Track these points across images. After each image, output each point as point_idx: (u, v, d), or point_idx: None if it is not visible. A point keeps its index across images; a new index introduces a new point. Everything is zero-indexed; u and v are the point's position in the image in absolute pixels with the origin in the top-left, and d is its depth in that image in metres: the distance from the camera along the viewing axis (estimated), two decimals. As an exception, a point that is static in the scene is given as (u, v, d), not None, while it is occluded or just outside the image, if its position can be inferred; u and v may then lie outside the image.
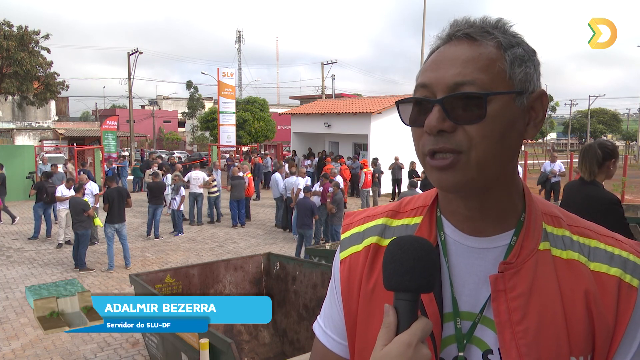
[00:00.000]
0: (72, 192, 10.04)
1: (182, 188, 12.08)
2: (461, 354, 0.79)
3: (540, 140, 55.91)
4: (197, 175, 12.93)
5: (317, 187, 11.11)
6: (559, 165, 13.95)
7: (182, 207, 12.08)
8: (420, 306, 0.78)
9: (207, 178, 13.17)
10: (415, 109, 0.78)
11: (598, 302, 0.76)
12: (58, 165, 11.01)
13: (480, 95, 0.72)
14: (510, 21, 0.79)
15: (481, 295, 0.79)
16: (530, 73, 0.77)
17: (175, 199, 12.01)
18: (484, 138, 0.73)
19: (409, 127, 0.81)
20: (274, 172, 15.42)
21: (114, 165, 18.28)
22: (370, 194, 15.50)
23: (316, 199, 10.68)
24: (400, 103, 0.80)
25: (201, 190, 12.97)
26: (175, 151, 38.18)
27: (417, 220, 0.88)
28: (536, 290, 0.76)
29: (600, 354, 0.76)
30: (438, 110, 0.73)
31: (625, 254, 0.79)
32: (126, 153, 31.49)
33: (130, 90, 28.33)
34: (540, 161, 34.44)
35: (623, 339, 0.76)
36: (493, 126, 0.73)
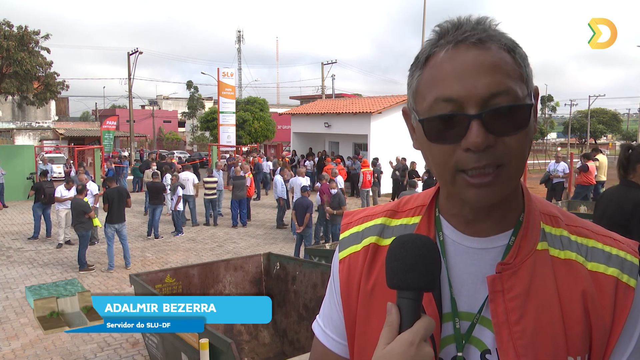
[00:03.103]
0: (71, 193, 10.05)
1: (179, 188, 12.08)
2: (460, 354, 0.79)
3: (540, 141, 55.87)
4: (187, 177, 12.86)
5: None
6: (563, 166, 13.91)
7: (180, 207, 12.07)
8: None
9: (196, 181, 13.15)
10: (440, 125, 0.72)
11: (595, 302, 0.76)
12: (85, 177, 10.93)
13: (526, 107, 0.71)
14: (495, 19, 0.76)
15: (479, 295, 0.79)
16: (532, 71, 0.76)
17: (172, 199, 12.04)
18: (523, 146, 0.72)
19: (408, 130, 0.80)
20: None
21: (113, 166, 18.28)
22: (370, 194, 15.49)
23: (317, 198, 10.68)
24: (426, 118, 0.73)
25: (192, 192, 12.84)
26: (175, 151, 38.17)
27: (416, 220, 0.88)
28: (534, 291, 0.76)
29: (597, 353, 0.76)
30: (480, 126, 0.69)
31: (623, 254, 0.79)
32: (126, 153, 31.50)
33: (130, 90, 28.33)
34: (539, 161, 34.51)
35: (619, 339, 0.76)
36: (528, 134, 0.73)
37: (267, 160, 21.31)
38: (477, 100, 0.69)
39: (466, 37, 0.72)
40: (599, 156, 13.09)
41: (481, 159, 0.70)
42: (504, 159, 0.71)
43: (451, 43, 0.73)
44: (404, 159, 16.37)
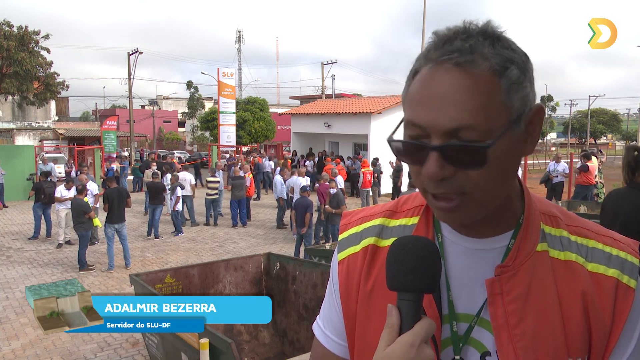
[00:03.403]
0: (71, 193, 10.05)
1: (178, 188, 12.08)
2: (457, 357, 0.79)
3: (540, 141, 55.84)
4: (184, 177, 12.87)
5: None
6: (563, 166, 13.92)
7: (178, 208, 12.06)
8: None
9: (193, 181, 13.17)
10: (404, 148, 0.74)
11: (595, 303, 0.76)
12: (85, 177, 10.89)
13: (480, 149, 0.67)
14: (500, 25, 0.72)
15: (478, 297, 0.79)
16: (527, 92, 0.71)
17: (172, 199, 12.04)
18: (487, 179, 0.70)
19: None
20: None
21: (113, 166, 18.30)
22: (370, 194, 15.49)
23: (317, 198, 10.69)
24: (392, 141, 0.75)
25: (189, 192, 12.81)
26: (175, 151, 38.17)
27: (415, 220, 0.88)
28: (533, 293, 0.76)
29: (596, 355, 0.76)
30: (437, 158, 0.68)
31: (623, 254, 0.79)
32: (126, 153, 31.50)
33: (130, 90, 28.34)
34: (539, 161, 34.49)
35: (619, 340, 0.76)
36: (495, 166, 0.69)
37: (269, 160, 21.33)
38: (440, 132, 0.68)
39: (445, 59, 0.69)
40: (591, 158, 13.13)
41: (439, 187, 0.71)
42: (465, 189, 0.70)
43: (432, 62, 0.70)
44: (399, 160, 16.26)
